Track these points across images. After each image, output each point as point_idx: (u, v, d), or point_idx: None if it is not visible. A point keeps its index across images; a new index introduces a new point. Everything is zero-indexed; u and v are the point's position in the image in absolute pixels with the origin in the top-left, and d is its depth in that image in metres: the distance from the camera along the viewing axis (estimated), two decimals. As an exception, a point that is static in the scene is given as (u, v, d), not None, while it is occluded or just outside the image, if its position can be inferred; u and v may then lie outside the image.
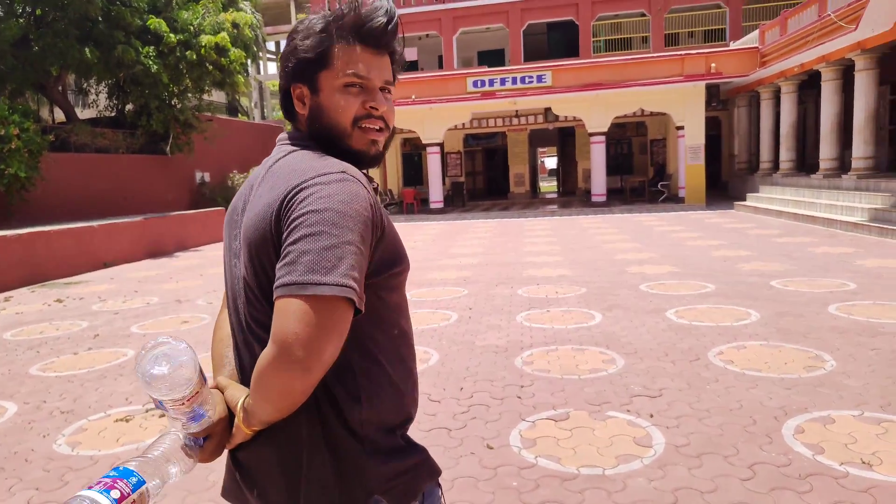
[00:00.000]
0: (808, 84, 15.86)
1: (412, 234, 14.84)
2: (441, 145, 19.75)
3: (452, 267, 9.39)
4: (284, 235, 0.99)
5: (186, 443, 1.05)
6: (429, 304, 6.82)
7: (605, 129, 18.10)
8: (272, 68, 48.53)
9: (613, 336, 5.10)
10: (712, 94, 19.46)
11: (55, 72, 15.68)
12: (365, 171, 1.18)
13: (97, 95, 18.30)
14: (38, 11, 15.08)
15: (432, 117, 18.93)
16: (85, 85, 17.95)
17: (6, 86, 15.42)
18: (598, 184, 18.37)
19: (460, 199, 22.37)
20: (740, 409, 3.46)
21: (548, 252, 10.46)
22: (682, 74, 17.45)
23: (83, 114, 19.74)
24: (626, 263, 8.77)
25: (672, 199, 18.51)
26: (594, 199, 18.49)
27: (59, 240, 10.59)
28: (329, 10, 1.18)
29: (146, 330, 6.36)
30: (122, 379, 4.75)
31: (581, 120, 19.03)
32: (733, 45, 19.01)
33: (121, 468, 0.93)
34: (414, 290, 7.59)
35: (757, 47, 17.06)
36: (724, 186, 20.96)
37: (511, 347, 4.95)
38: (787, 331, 4.94)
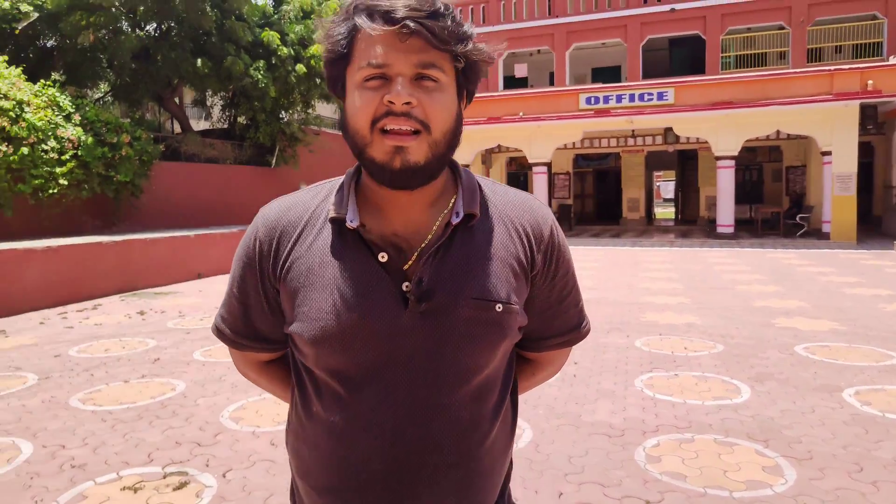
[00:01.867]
0: None
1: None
2: (549, 165, 18.59)
3: (555, 303, 8.22)
4: None
5: None
6: (525, 350, 5.73)
7: (735, 153, 16.19)
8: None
9: (772, 426, 3.77)
10: (867, 115, 16.97)
11: (174, 83, 16.15)
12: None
13: (212, 108, 18.80)
14: (164, 25, 15.59)
15: (540, 135, 17.83)
16: (201, 97, 18.46)
17: (128, 96, 16.05)
18: (725, 213, 16.44)
19: (567, 223, 21.05)
20: None
21: (669, 291, 9.04)
22: (830, 93, 15.26)
23: (200, 125, 20.42)
24: (770, 313, 7.22)
25: (813, 234, 16.24)
26: (719, 229, 16.57)
27: (154, 248, 10.48)
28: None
29: (208, 357, 5.72)
30: (157, 423, 4.04)
31: (706, 142, 17.22)
32: (893, 60, 16.52)
33: None
34: (509, 331, 6.53)
35: (927, 62, 14.64)
36: (876, 222, 18.23)
37: (630, 430, 3.76)
38: None
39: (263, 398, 4.50)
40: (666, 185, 45.24)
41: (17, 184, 11.02)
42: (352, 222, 0.89)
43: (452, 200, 0.95)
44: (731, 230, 16.39)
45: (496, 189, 1.00)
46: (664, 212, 32.58)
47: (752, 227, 18.40)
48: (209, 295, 9.48)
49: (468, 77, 0.91)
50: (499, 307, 0.91)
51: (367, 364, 0.89)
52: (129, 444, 3.70)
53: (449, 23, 0.85)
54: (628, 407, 4.18)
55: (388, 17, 0.83)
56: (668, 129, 18.91)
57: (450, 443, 0.91)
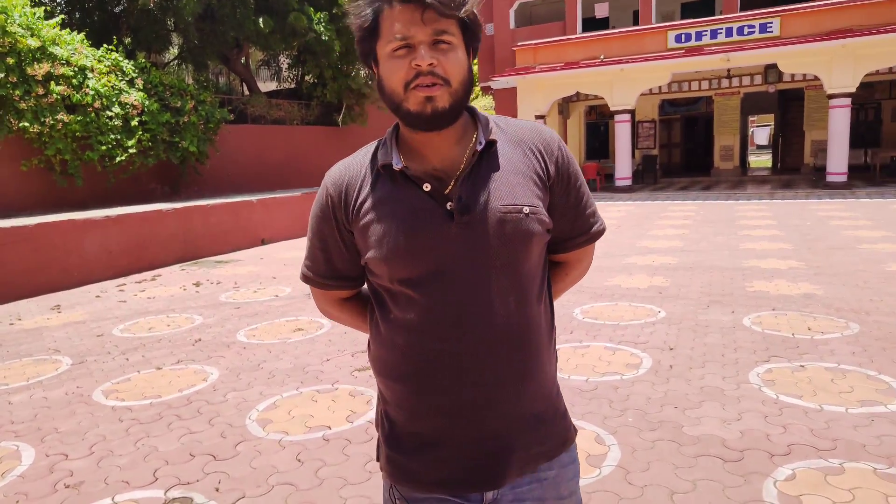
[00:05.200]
0: None
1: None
2: (632, 113, 17.06)
3: (642, 269, 7.22)
4: None
5: None
6: (606, 332, 4.84)
7: (852, 90, 14.17)
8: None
9: (955, 450, 2.77)
10: None
11: (240, 43, 15.73)
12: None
13: (279, 67, 18.37)
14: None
15: (623, 80, 16.31)
16: (269, 57, 18.04)
17: (195, 60, 15.79)
18: (838, 159, 14.54)
19: (652, 176, 19.51)
20: None
21: (776, 252, 7.81)
22: (974, 12, 12.95)
23: (269, 86, 20.10)
24: (911, 280, 5.96)
25: (945, 179, 14.14)
26: (830, 178, 14.71)
27: (215, 215, 10.18)
28: None
29: (251, 338, 5.20)
30: (176, 426, 3.51)
31: (815, 79, 15.23)
32: None
33: None
34: (587, 305, 5.64)
35: None
36: None
37: (751, 450, 2.87)
38: None
39: (300, 393, 3.90)
40: (759, 132, 41.76)
41: (85, 152, 10.96)
42: (397, 165, 1.11)
43: (475, 135, 1.15)
44: (843, 178, 14.53)
45: (508, 122, 1.21)
46: (759, 160, 29.98)
47: (869, 175, 16.31)
48: (269, 263, 9.07)
49: (472, 35, 1.10)
50: (525, 209, 1.11)
51: (428, 269, 1.10)
52: (139, 455, 3.18)
53: None
54: (744, 414, 3.26)
55: None
56: (771, 67, 16.87)
57: (501, 320, 1.10)
